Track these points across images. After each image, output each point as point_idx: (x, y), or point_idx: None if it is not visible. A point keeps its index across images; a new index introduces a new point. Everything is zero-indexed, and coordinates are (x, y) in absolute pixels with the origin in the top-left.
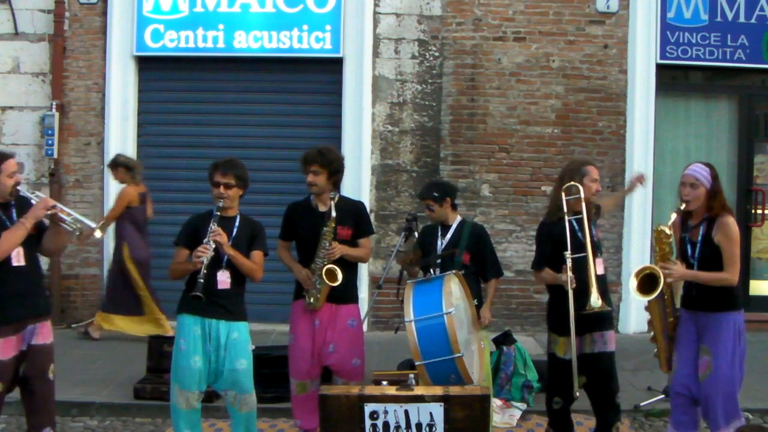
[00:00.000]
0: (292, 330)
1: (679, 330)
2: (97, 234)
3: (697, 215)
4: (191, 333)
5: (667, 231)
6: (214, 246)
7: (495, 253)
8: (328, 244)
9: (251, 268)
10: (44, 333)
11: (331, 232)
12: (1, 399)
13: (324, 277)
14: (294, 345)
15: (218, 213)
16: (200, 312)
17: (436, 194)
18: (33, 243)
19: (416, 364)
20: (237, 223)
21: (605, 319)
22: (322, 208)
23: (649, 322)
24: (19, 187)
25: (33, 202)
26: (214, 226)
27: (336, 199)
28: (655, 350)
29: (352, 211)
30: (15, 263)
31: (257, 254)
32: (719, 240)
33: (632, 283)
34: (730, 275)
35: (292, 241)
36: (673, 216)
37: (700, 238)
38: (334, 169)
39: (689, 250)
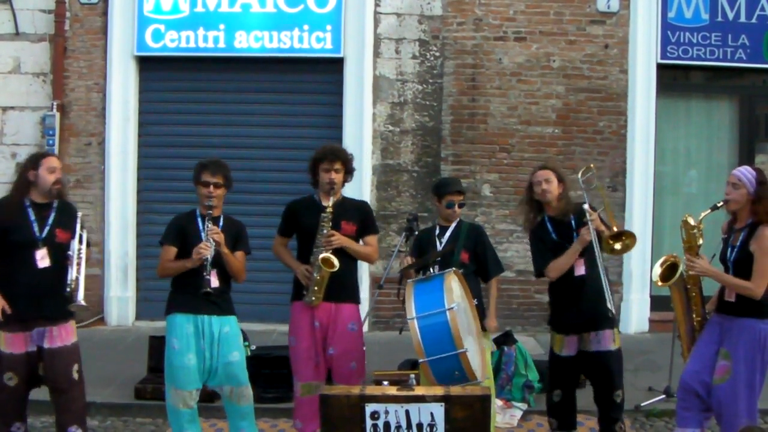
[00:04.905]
0: (293, 332)
1: (704, 329)
2: (80, 301)
3: (741, 219)
4: (184, 331)
5: (691, 222)
6: (214, 244)
7: (494, 250)
8: (326, 230)
9: (239, 269)
10: (61, 335)
11: (328, 217)
12: (19, 393)
13: (321, 264)
14: (296, 346)
15: (210, 212)
16: (192, 310)
17: (460, 190)
18: (64, 248)
19: (420, 361)
20: (222, 224)
21: (599, 319)
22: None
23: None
24: (59, 187)
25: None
26: (210, 225)
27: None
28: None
29: (357, 209)
30: (40, 265)
31: (241, 255)
32: (753, 249)
33: (656, 270)
34: (755, 287)
35: (290, 237)
36: (707, 211)
37: (739, 242)
38: (350, 168)
39: (728, 253)
